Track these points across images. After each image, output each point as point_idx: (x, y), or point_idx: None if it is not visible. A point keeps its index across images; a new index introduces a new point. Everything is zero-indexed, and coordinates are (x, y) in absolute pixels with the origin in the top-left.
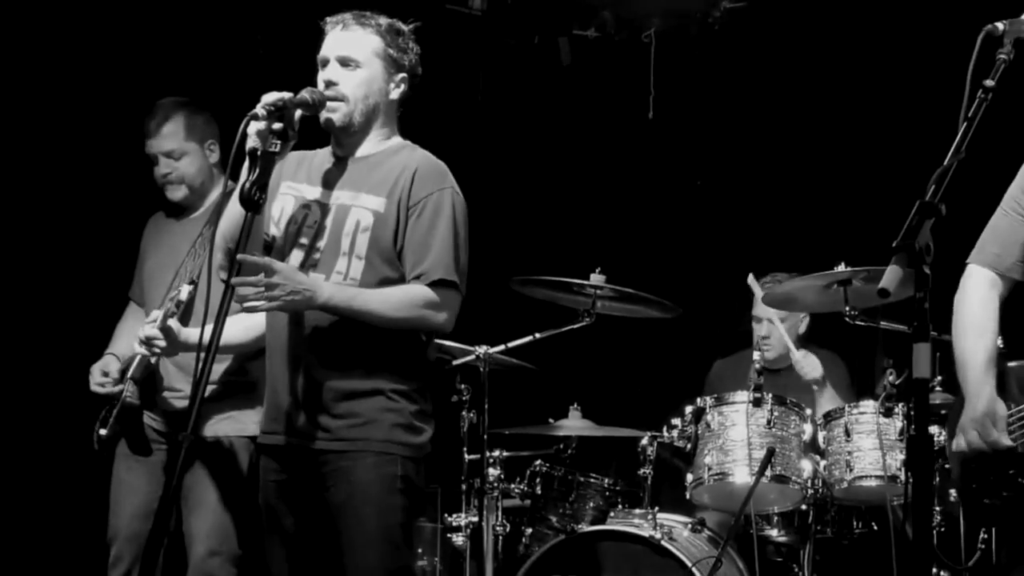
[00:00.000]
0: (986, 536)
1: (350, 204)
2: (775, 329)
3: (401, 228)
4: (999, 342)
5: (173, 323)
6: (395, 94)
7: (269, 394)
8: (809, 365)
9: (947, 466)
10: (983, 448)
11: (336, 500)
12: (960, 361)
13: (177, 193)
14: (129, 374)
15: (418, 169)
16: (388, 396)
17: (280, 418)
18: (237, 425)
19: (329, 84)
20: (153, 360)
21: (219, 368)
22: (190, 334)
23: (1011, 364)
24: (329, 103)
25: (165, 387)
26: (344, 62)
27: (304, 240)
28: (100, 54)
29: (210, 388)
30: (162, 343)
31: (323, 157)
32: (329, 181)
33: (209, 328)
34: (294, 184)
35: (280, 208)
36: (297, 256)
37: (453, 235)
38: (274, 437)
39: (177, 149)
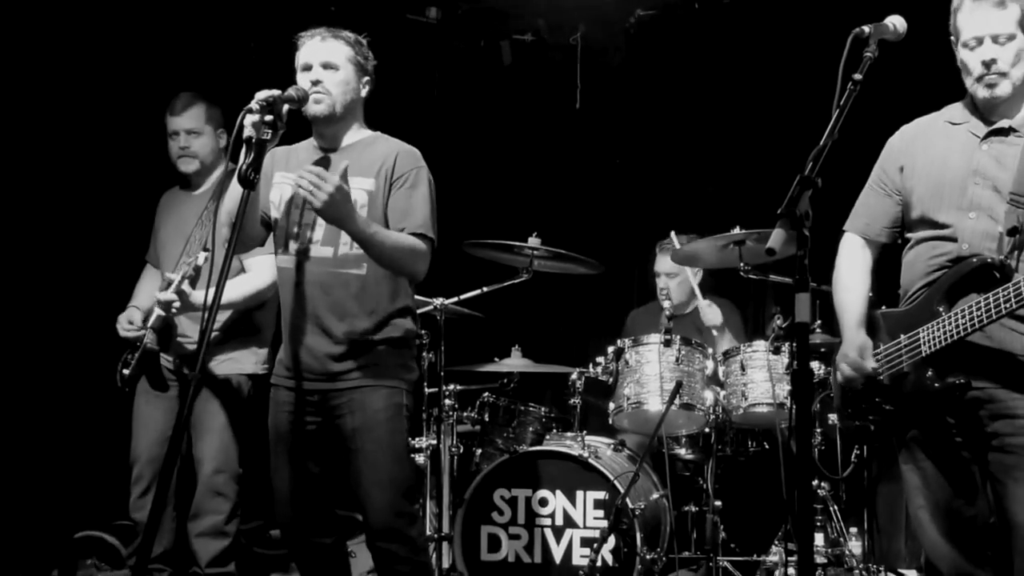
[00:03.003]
0: (859, 452)
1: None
2: (671, 282)
3: (387, 200)
4: (870, 294)
5: (187, 287)
6: (363, 92)
7: (284, 343)
8: (711, 313)
9: (830, 395)
10: (854, 376)
11: (352, 425)
12: (838, 311)
13: (189, 166)
14: (149, 324)
15: (399, 153)
16: (389, 343)
17: (295, 364)
18: (238, 365)
19: (316, 83)
20: (170, 315)
21: (223, 318)
22: (199, 296)
23: (879, 311)
24: (315, 96)
25: (179, 334)
26: (326, 65)
27: (306, 219)
28: (124, 61)
29: (216, 335)
30: (177, 304)
31: (308, 149)
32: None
33: (212, 289)
34: (288, 174)
35: (279, 195)
36: (300, 233)
37: (429, 201)
38: (288, 380)
39: (196, 128)
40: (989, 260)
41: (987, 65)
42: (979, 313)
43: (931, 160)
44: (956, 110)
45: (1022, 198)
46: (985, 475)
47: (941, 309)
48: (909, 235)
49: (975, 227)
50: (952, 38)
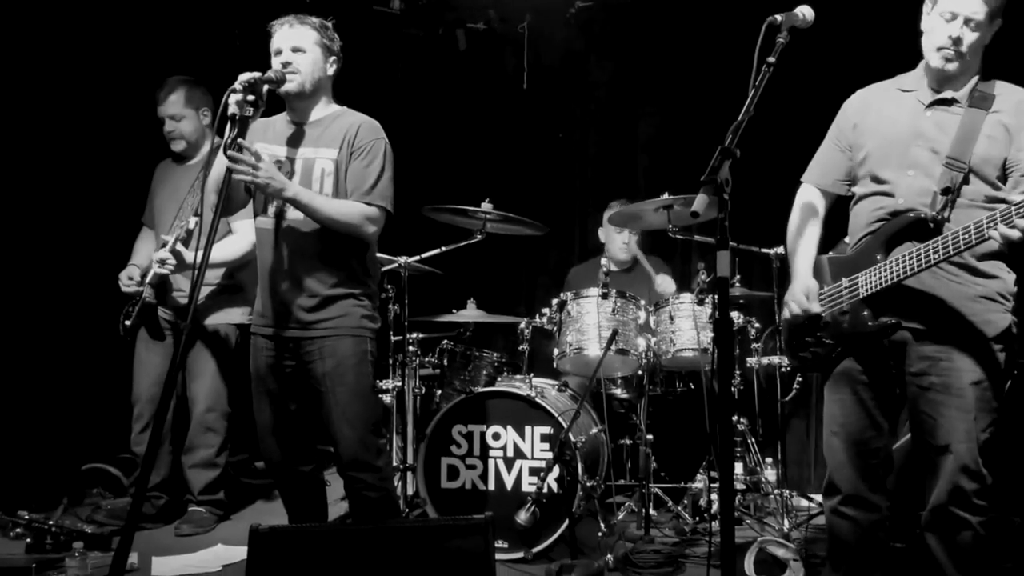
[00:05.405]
0: (801, 378)
1: (314, 157)
2: (632, 238)
3: (347, 168)
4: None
5: (181, 247)
6: (331, 71)
7: (262, 296)
8: (665, 284)
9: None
10: (800, 314)
11: (323, 369)
12: (790, 255)
13: (177, 146)
14: (147, 280)
15: (361, 125)
16: (356, 297)
17: (273, 314)
18: (227, 316)
19: (287, 65)
20: (166, 272)
21: (213, 275)
22: (192, 256)
23: (825, 256)
24: (288, 76)
25: (174, 289)
26: (295, 49)
27: None
28: (126, 46)
29: (207, 289)
30: (173, 262)
31: (282, 123)
32: (293, 141)
33: (201, 249)
34: (265, 145)
35: None
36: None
37: (382, 171)
38: (266, 329)
39: (178, 114)
40: (924, 215)
41: (954, 41)
42: (911, 261)
43: (881, 121)
44: (908, 79)
45: (957, 162)
46: (909, 406)
47: (879, 257)
48: (855, 190)
49: (912, 184)
50: (928, 1)
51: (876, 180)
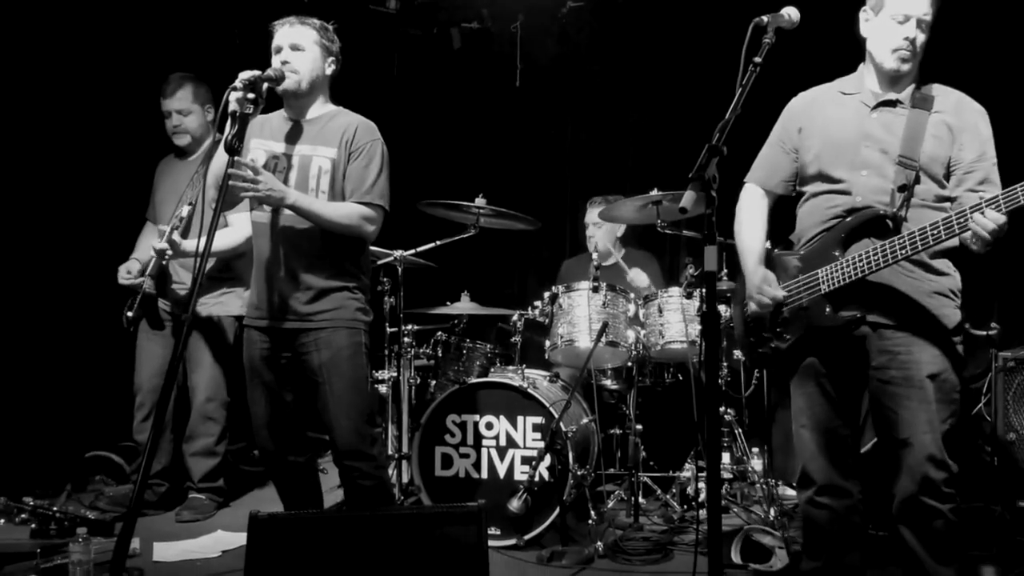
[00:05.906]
0: (759, 375)
1: (311, 154)
2: (597, 231)
3: (346, 168)
4: (767, 241)
5: (176, 237)
6: (329, 71)
7: (257, 288)
8: (640, 279)
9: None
10: (767, 303)
11: (318, 361)
12: (740, 252)
13: (182, 140)
14: (148, 272)
15: (359, 126)
16: (349, 290)
17: (268, 307)
18: (225, 307)
19: (285, 63)
20: (164, 262)
21: (210, 266)
22: (189, 245)
23: (775, 252)
24: (287, 74)
25: (173, 280)
26: (294, 47)
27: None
28: (127, 45)
29: (204, 282)
30: (170, 252)
31: (279, 120)
32: (291, 138)
33: (203, 240)
34: (262, 141)
35: (253, 160)
36: None
37: (380, 171)
38: (261, 321)
39: (185, 108)
40: (882, 211)
41: (910, 42)
42: (876, 257)
43: (827, 124)
44: (848, 82)
45: (909, 160)
46: (871, 401)
47: (837, 253)
48: (804, 189)
49: (867, 183)
50: (869, 8)
51: (829, 179)
